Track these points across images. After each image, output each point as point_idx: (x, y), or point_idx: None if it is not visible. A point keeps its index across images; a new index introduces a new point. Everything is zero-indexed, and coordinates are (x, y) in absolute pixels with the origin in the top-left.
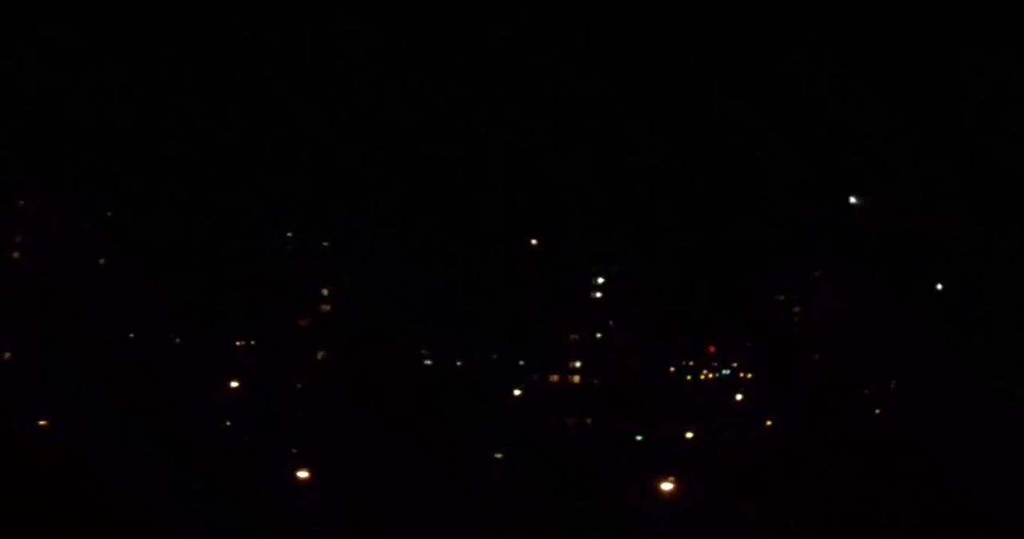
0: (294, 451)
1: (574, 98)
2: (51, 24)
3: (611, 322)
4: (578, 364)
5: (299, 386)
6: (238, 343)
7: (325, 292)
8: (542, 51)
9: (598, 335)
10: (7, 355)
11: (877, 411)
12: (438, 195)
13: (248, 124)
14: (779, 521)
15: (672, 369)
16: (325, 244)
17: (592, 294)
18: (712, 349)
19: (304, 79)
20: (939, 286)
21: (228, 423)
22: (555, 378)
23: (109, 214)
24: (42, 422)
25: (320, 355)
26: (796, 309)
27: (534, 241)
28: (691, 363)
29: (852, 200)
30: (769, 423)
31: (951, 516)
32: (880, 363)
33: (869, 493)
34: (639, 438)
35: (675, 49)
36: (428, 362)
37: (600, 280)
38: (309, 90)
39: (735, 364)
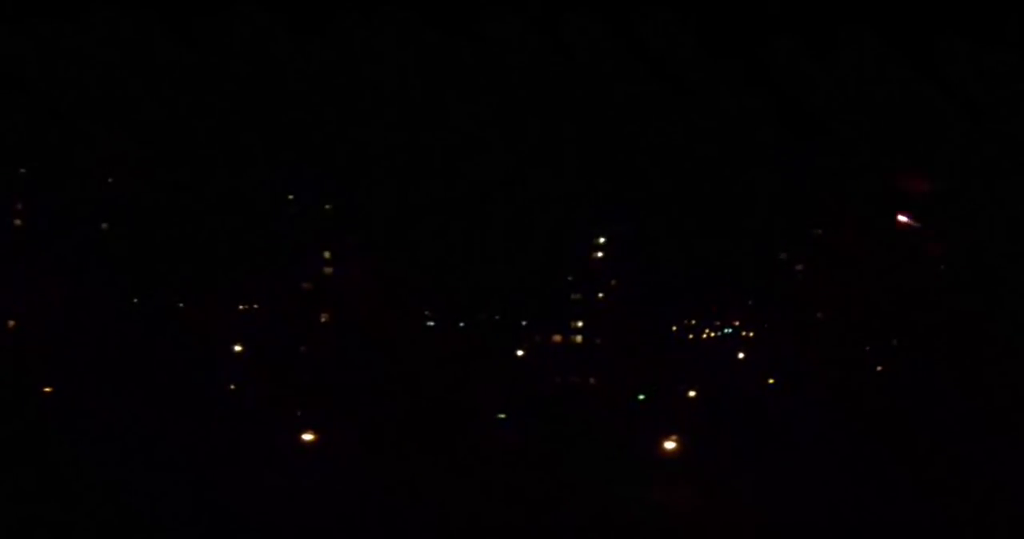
0: (298, 414)
1: (576, 73)
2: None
3: (613, 282)
4: (580, 324)
5: (303, 349)
6: (241, 307)
7: (327, 254)
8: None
9: (600, 295)
10: (11, 323)
11: (879, 369)
12: (439, 158)
13: (251, 93)
14: (782, 480)
15: (674, 328)
16: (327, 207)
17: (594, 254)
18: (714, 308)
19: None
20: (946, 243)
21: (232, 387)
22: (557, 338)
23: (110, 180)
24: (46, 389)
25: (323, 318)
26: (799, 267)
27: (535, 202)
28: (693, 322)
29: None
30: (772, 381)
31: (955, 474)
32: (883, 320)
33: (873, 451)
34: (642, 397)
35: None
36: (430, 323)
37: (602, 240)
38: (319, 59)
39: (737, 322)
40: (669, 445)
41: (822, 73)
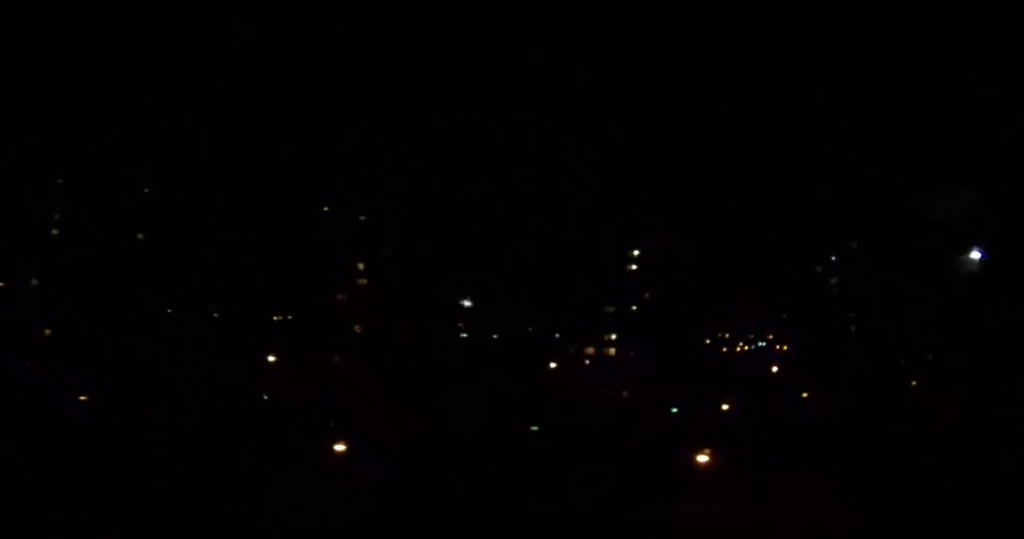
0: (332, 424)
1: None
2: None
3: (646, 295)
4: (614, 336)
5: (336, 359)
6: (276, 318)
7: (361, 266)
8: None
9: (633, 308)
10: (48, 332)
11: (914, 382)
12: (472, 171)
13: (282, 104)
14: (815, 493)
15: (708, 341)
16: (362, 218)
17: (627, 267)
18: (748, 321)
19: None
20: (975, 258)
21: (265, 397)
22: (591, 351)
23: (146, 190)
24: (82, 397)
25: (357, 329)
26: (833, 281)
27: (569, 215)
28: (727, 335)
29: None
30: (805, 395)
31: (990, 485)
32: (917, 334)
33: (906, 464)
34: (675, 410)
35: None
36: (464, 335)
37: (635, 253)
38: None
39: (771, 336)
40: (702, 458)
41: (848, 88)
